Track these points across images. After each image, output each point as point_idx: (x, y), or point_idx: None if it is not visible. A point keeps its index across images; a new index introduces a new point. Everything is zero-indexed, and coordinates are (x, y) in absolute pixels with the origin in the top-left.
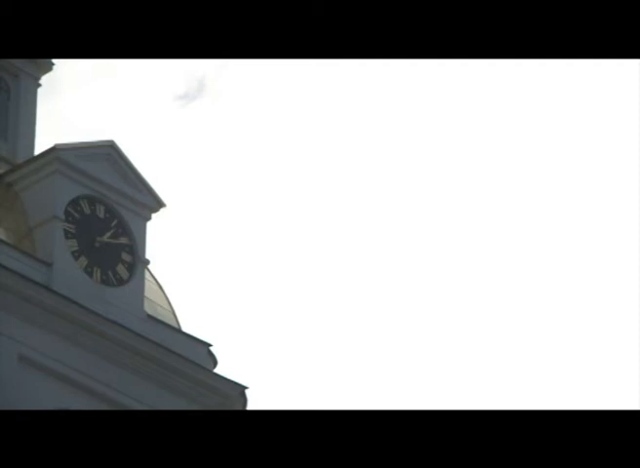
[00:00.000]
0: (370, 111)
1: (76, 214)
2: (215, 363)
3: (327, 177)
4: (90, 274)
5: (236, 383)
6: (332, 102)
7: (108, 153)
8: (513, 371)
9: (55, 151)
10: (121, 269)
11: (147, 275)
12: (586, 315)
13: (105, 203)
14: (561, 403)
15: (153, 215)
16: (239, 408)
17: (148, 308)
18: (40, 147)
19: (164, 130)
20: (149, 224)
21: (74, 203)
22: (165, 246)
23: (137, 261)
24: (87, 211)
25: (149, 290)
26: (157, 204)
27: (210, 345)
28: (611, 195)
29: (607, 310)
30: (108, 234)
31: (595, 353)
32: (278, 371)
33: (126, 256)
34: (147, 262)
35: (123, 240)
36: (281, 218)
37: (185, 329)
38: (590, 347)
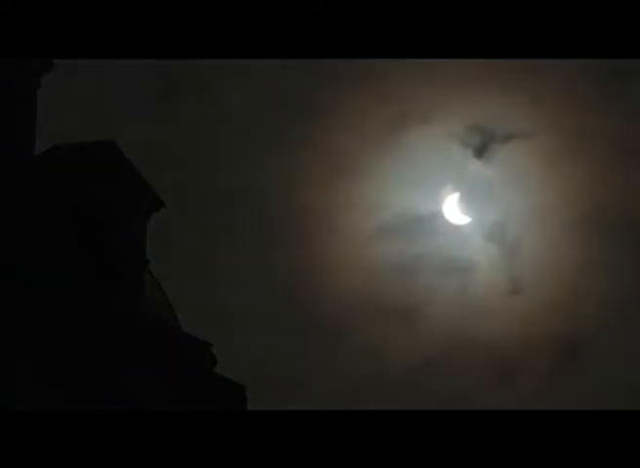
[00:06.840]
0: (363, 108)
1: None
2: (215, 363)
3: (322, 174)
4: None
5: (236, 383)
6: (322, 99)
7: (108, 153)
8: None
9: (55, 151)
10: (121, 269)
11: (147, 275)
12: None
13: (105, 203)
14: (562, 402)
15: (153, 216)
16: (239, 408)
17: (148, 308)
18: (40, 147)
19: (162, 129)
20: (149, 224)
21: (74, 203)
22: (165, 246)
23: (137, 261)
24: (87, 211)
25: (149, 290)
26: (157, 204)
27: (210, 345)
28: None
29: (607, 309)
30: (109, 234)
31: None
32: (278, 371)
33: (127, 256)
34: (147, 262)
35: (123, 240)
36: (279, 216)
37: (185, 329)
38: (591, 347)
